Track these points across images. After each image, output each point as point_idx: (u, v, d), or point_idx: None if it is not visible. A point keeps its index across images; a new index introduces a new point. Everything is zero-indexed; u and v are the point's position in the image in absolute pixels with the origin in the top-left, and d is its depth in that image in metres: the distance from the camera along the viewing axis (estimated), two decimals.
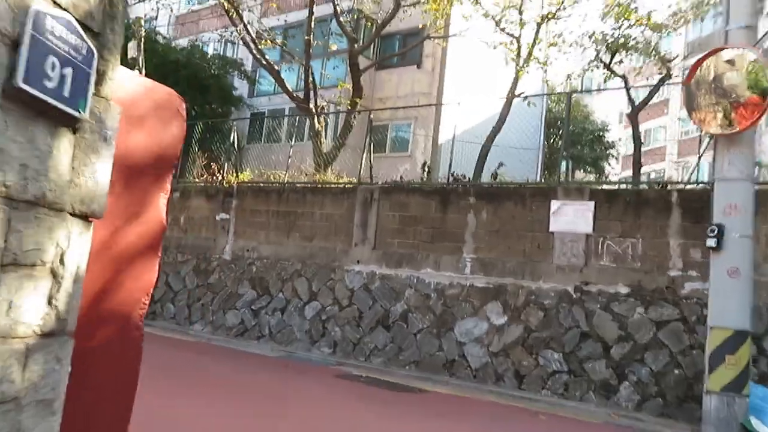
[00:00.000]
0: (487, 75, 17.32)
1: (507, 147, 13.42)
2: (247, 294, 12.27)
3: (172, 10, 17.95)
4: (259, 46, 14.55)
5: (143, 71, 12.30)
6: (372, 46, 18.28)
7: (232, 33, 17.42)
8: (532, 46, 12.25)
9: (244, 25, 14.31)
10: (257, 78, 20.75)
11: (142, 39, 12.50)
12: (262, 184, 13.12)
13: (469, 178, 11.19)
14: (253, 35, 14.53)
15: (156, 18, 22.05)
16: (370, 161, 11.86)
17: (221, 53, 20.41)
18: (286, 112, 19.35)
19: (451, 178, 10.92)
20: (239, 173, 13.59)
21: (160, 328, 12.50)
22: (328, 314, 11.11)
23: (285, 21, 17.78)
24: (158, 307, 13.33)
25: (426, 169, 12.31)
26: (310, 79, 14.49)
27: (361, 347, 10.49)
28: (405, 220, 10.95)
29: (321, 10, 17.34)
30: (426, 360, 9.78)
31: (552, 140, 27.52)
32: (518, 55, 12.57)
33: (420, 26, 16.31)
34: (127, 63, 12.54)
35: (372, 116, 12.67)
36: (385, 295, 10.63)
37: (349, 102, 14.95)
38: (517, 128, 16.66)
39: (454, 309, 9.91)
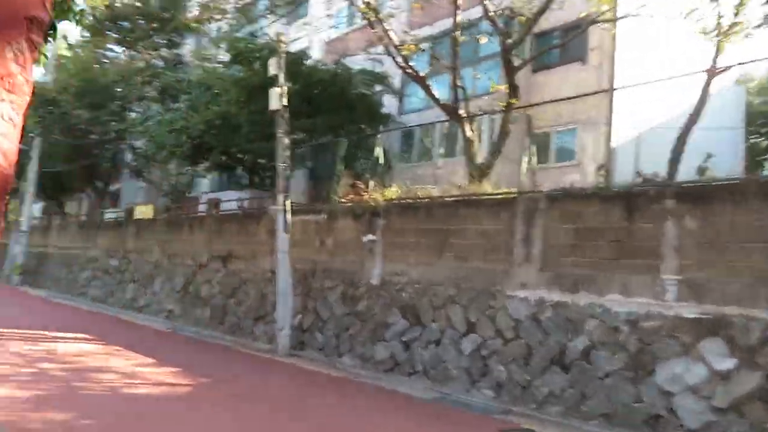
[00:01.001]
0: (666, 63, 14.52)
1: (703, 135, 10.68)
2: (398, 323, 10.93)
3: (317, 28, 17.69)
4: (403, 53, 13.44)
5: (285, 87, 11.78)
6: (527, 44, 16.38)
7: (377, 47, 16.67)
8: (739, 6, 9.55)
9: (386, 33, 13.31)
10: (406, 94, 19.84)
11: (283, 56, 12.01)
12: (410, 201, 11.83)
13: (662, 177, 8.84)
14: (396, 42, 13.49)
15: (309, 48, 22.28)
16: (532, 165, 9.99)
17: (369, 69, 19.82)
18: (437, 127, 18.12)
19: (638, 179, 8.67)
20: (386, 190, 12.46)
21: (308, 359, 11.66)
22: (489, 349, 9.33)
23: (437, 29, 16.66)
24: (306, 336, 12.55)
25: (602, 172, 10.08)
26: (458, 82, 13.02)
27: (531, 391, 8.54)
28: (580, 234, 8.88)
29: (469, 14, 15.95)
30: (619, 412, 7.56)
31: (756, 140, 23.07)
32: (719, 22, 9.94)
33: (582, 14, 14.14)
34: (269, 80, 12.16)
35: (530, 114, 10.81)
36: (559, 327, 8.60)
37: (504, 105, 13.21)
38: (710, 118, 13.65)
39: (654, 347, 7.60)
